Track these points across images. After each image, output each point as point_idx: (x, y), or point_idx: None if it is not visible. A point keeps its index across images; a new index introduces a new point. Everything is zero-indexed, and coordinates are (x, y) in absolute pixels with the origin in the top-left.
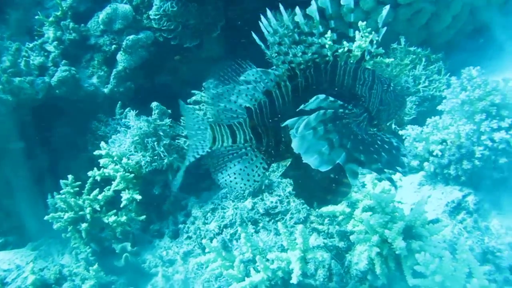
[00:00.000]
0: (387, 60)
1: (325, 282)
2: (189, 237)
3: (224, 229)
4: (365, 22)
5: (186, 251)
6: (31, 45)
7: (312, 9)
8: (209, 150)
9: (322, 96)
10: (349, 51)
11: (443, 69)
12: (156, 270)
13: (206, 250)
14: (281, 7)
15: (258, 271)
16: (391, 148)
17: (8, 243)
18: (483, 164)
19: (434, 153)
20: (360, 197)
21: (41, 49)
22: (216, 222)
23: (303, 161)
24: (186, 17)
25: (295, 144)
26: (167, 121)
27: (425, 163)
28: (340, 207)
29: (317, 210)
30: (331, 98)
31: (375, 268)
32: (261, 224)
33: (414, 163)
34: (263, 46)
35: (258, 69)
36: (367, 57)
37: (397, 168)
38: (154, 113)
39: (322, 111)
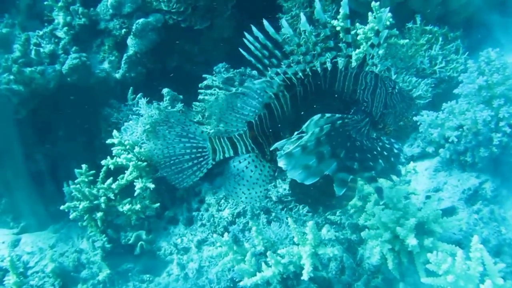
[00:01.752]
0: (401, 42)
1: (337, 275)
2: (203, 225)
3: (237, 219)
4: (378, 2)
5: (200, 239)
6: (41, 32)
7: (303, 22)
8: (213, 163)
9: (317, 117)
10: (349, 56)
11: (461, 48)
12: (171, 257)
13: (218, 244)
14: (265, 22)
15: (269, 266)
16: (390, 155)
17: (31, 226)
18: (501, 151)
19: (450, 140)
20: (372, 190)
21: (51, 35)
22: (229, 209)
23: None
24: None
25: (282, 163)
26: (179, 106)
27: (441, 150)
28: (352, 200)
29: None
30: (327, 115)
31: (387, 263)
32: (273, 214)
33: (429, 149)
34: (253, 60)
35: (260, 82)
36: (369, 61)
37: (392, 176)
38: (165, 100)
39: (317, 130)
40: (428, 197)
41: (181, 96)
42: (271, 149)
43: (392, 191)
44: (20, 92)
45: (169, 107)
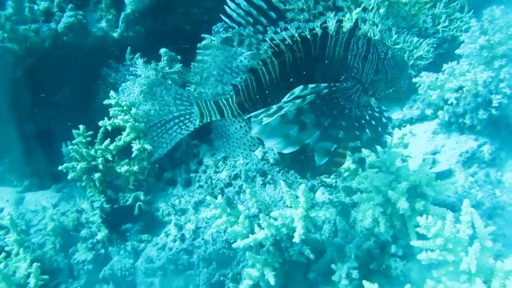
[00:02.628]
0: (403, 0)
1: (330, 237)
2: (200, 186)
3: (234, 180)
4: None
5: (197, 201)
6: None
7: None
8: (201, 124)
9: (298, 89)
10: (340, 21)
11: (467, 5)
12: (169, 218)
13: (211, 206)
14: None
15: (262, 228)
16: (378, 125)
17: (34, 185)
18: (500, 113)
19: (449, 102)
20: (367, 153)
21: None
22: (227, 171)
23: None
24: None
25: (255, 130)
26: (178, 67)
27: (440, 112)
28: (346, 164)
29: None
30: (310, 86)
31: (379, 226)
32: (269, 176)
33: (428, 111)
34: (237, 27)
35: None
36: (362, 26)
37: (377, 147)
38: (163, 60)
39: (298, 101)
40: (425, 160)
41: (179, 57)
42: (245, 117)
43: (385, 154)
44: (14, 50)
45: (167, 68)
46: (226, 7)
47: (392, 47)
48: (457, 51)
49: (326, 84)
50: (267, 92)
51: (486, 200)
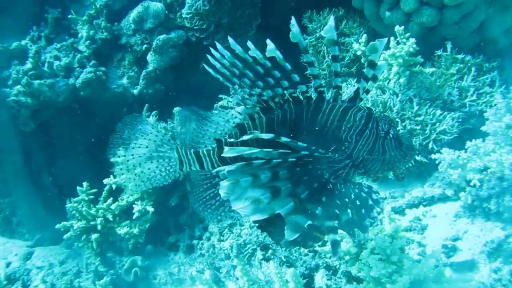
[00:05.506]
0: (428, 70)
1: None
2: (202, 255)
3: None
4: (403, 27)
5: (197, 271)
6: (59, 45)
7: (271, 48)
8: (181, 172)
9: (266, 135)
10: (338, 87)
11: (498, 80)
12: None
13: (197, 283)
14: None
15: None
16: (362, 207)
17: (45, 239)
18: None
19: (472, 183)
20: (371, 236)
21: (72, 49)
22: (232, 240)
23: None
24: (219, 15)
25: (223, 188)
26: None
27: (461, 193)
28: (345, 246)
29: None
30: (286, 139)
31: None
32: (270, 251)
33: (449, 192)
34: (221, 78)
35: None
36: (363, 96)
37: (356, 232)
38: (176, 119)
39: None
40: (445, 247)
41: (194, 117)
42: (213, 171)
43: (386, 240)
44: (27, 104)
45: (179, 128)
46: (208, 56)
47: (400, 129)
48: (483, 128)
49: (305, 145)
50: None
51: None
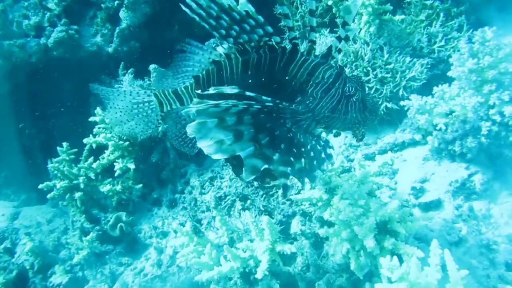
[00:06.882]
0: (397, 17)
1: (302, 272)
2: (184, 208)
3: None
4: None
5: (180, 223)
6: (26, 3)
7: (243, 2)
8: (162, 114)
9: (230, 89)
10: (312, 41)
11: (465, 24)
12: (150, 241)
13: (178, 234)
14: None
15: (228, 260)
16: (315, 158)
17: (31, 199)
18: (491, 141)
19: (438, 127)
20: (341, 182)
21: (40, 7)
22: (213, 192)
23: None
24: None
25: (191, 127)
26: None
27: (429, 137)
28: (317, 193)
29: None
30: (251, 93)
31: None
32: (249, 201)
33: (417, 137)
34: (197, 18)
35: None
36: (335, 54)
37: (305, 180)
38: (152, 76)
39: (229, 103)
40: (413, 188)
41: (170, 73)
42: (182, 112)
43: (353, 185)
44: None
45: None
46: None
47: (369, 93)
48: (449, 73)
49: (270, 99)
50: (226, 85)
51: (470, 237)
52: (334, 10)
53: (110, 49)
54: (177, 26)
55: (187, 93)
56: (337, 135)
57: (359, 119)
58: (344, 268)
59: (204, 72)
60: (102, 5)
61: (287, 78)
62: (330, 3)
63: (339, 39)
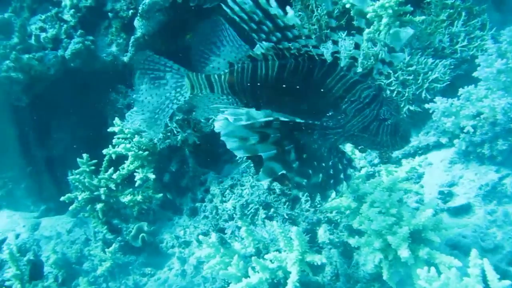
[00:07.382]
0: (418, 18)
1: (332, 281)
2: (205, 217)
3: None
4: None
5: (201, 232)
6: (43, 16)
7: (290, 15)
8: (191, 95)
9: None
10: (354, 58)
11: (488, 23)
12: (173, 251)
13: (204, 246)
14: None
15: (256, 271)
16: (334, 176)
17: (50, 210)
18: None
19: (465, 130)
20: (369, 190)
21: (56, 19)
22: (233, 200)
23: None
24: None
25: (218, 124)
26: None
27: (456, 140)
28: (346, 201)
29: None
30: (287, 118)
31: (382, 272)
32: (272, 209)
33: (443, 140)
34: (237, 19)
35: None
36: (376, 76)
37: (317, 197)
38: None
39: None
40: (441, 193)
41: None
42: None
43: (385, 194)
44: (19, 79)
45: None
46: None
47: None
48: (475, 74)
49: (303, 121)
50: (258, 84)
51: (506, 243)
52: (352, 13)
53: (125, 58)
54: (191, 33)
55: (219, 81)
56: (363, 151)
57: (389, 143)
58: (376, 277)
59: (239, 65)
60: (117, 15)
61: (322, 90)
62: (348, 6)
63: (382, 62)
